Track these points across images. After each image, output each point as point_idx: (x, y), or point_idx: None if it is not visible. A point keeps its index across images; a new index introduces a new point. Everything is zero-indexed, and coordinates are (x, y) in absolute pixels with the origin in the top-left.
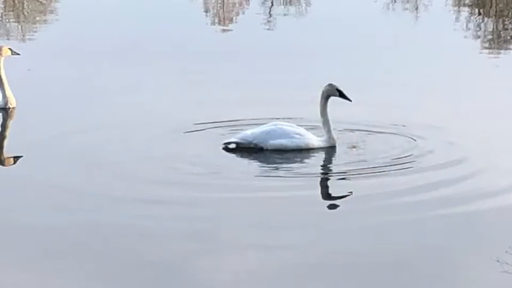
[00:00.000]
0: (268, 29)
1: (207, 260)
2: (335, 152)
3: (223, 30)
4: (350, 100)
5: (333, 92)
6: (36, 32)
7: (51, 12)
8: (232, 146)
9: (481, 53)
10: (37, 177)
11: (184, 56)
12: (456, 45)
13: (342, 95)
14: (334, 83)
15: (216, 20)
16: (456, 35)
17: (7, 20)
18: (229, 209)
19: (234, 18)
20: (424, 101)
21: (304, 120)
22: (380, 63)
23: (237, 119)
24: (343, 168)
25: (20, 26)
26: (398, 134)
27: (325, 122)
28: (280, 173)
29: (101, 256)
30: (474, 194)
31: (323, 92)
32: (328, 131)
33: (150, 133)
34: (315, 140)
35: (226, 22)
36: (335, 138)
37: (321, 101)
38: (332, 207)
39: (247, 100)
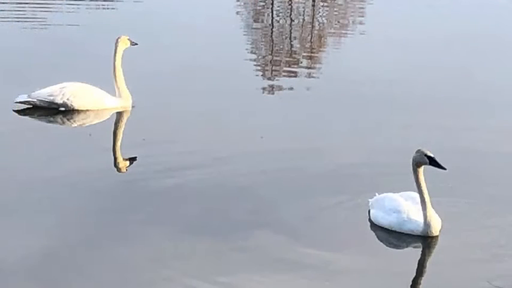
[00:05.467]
0: None
1: None
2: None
3: None
4: (444, 168)
5: (422, 159)
6: None
7: None
8: None
9: None
10: None
11: None
12: None
13: (433, 162)
14: (424, 149)
15: None
16: None
17: None
18: None
19: None
20: None
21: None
22: None
23: None
24: None
25: None
26: None
27: (422, 200)
28: None
29: None
30: None
31: (412, 159)
32: (425, 214)
33: None
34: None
35: None
36: (433, 225)
37: (413, 170)
38: None
39: None
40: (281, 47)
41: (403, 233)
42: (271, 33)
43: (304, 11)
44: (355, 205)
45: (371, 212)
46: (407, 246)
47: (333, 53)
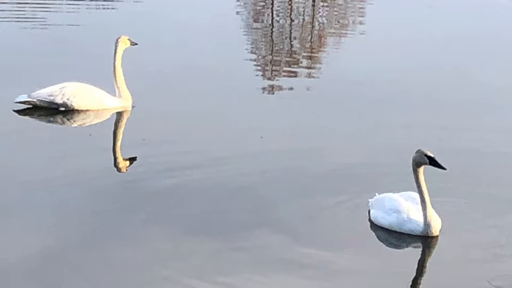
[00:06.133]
0: None
1: None
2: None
3: None
4: (444, 169)
5: (422, 159)
6: None
7: None
8: None
9: None
10: None
11: None
12: None
13: (433, 162)
14: (424, 149)
15: None
16: None
17: None
18: None
19: None
20: None
21: None
22: None
23: None
24: None
25: None
26: None
27: (422, 200)
28: None
29: None
30: None
31: (412, 159)
32: (425, 214)
33: None
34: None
35: None
36: (433, 225)
37: (413, 170)
38: None
39: None
40: (281, 47)
41: (403, 233)
42: (271, 33)
43: (304, 11)
44: (355, 205)
45: (371, 212)
46: (407, 246)
47: (333, 53)
